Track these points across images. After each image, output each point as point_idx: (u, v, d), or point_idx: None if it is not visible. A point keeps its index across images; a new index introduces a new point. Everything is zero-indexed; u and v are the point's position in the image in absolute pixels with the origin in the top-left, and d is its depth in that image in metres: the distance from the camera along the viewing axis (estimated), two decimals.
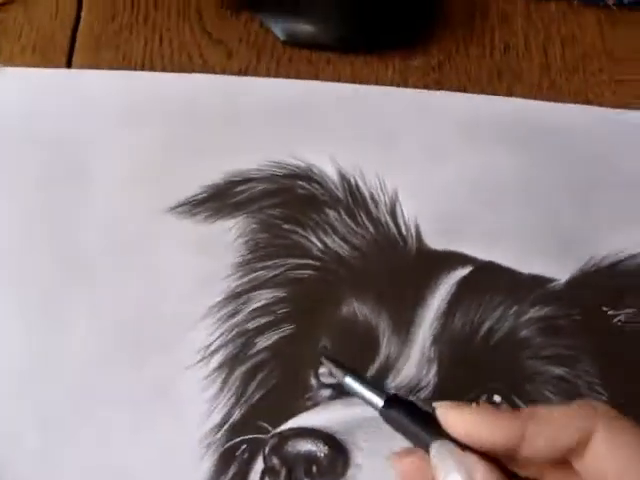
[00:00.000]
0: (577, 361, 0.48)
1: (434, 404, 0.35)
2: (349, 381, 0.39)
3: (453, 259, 0.51)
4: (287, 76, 0.59)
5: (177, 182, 0.54)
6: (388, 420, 0.36)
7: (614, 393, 0.47)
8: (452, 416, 0.34)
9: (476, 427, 0.33)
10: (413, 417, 0.36)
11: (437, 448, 0.34)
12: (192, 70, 0.59)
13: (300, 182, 0.54)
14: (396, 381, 0.48)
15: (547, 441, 0.33)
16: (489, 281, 0.51)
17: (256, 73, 0.59)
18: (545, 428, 0.33)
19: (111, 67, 0.59)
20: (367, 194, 0.53)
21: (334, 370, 0.40)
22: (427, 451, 0.35)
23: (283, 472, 0.44)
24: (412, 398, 0.47)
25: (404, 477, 0.36)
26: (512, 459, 0.34)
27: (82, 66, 0.59)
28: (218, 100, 0.58)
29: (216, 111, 0.57)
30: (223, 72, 0.59)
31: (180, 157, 0.55)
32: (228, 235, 0.53)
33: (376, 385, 0.38)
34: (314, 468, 0.43)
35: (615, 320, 0.49)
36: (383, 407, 0.36)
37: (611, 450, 0.32)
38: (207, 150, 0.56)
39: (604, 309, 0.49)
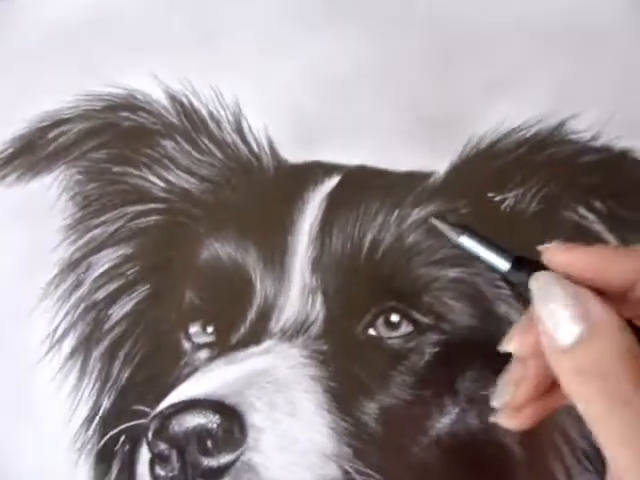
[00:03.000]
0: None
1: (539, 247, 0.31)
2: (465, 240, 0.33)
3: (317, 170, 0.45)
4: None
5: None
6: (518, 284, 0.32)
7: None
8: (563, 255, 0.31)
9: (592, 263, 0.30)
10: None
11: (541, 279, 0.30)
12: None
13: (123, 113, 0.46)
14: (280, 322, 0.42)
15: None
16: (361, 188, 0.44)
17: None
18: None
19: None
20: (205, 113, 0.46)
21: (446, 229, 0.33)
22: None
23: (174, 456, 0.38)
24: (301, 337, 0.41)
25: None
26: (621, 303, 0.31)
27: None
28: None
29: None
30: None
31: None
32: (49, 193, 0.45)
33: (498, 245, 0.32)
34: (209, 443, 0.37)
35: (503, 206, 0.44)
36: (511, 269, 0.32)
37: None
38: None
39: (490, 195, 0.44)
